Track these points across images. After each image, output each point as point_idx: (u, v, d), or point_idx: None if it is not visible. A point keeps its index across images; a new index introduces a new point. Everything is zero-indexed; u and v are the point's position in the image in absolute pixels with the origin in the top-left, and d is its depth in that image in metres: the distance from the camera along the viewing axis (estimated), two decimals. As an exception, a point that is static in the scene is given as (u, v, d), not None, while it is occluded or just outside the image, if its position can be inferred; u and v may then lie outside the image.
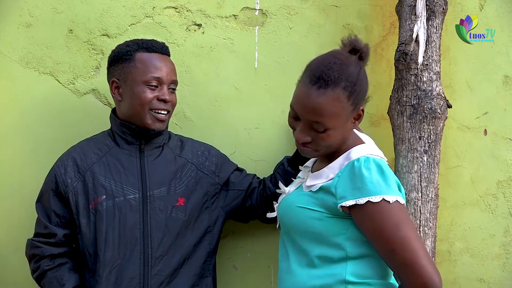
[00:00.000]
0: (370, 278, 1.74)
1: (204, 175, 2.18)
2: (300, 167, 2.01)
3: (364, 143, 1.83)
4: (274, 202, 2.00)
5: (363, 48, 1.76)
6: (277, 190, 2.00)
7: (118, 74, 2.11)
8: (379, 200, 1.67)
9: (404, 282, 1.67)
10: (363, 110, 1.78)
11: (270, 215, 1.99)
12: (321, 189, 1.77)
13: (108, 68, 2.16)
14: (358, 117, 1.78)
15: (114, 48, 2.17)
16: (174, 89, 2.15)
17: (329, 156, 1.82)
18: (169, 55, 2.17)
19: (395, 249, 1.65)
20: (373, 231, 1.69)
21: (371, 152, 1.78)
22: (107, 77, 2.17)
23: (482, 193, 2.39)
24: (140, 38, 2.23)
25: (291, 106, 1.78)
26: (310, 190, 1.80)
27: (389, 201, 1.67)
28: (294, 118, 1.78)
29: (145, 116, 2.08)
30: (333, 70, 1.70)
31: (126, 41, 2.17)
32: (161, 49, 2.14)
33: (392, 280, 1.81)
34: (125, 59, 2.10)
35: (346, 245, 1.74)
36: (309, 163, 1.99)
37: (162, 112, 2.10)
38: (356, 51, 1.76)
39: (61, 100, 2.37)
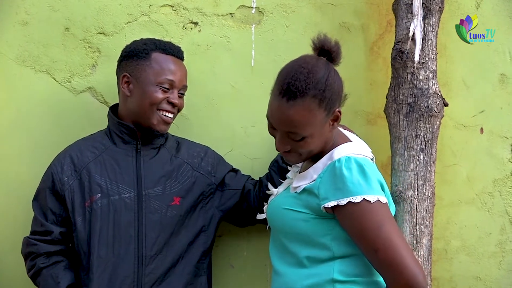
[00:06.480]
0: (357, 277, 1.73)
1: (200, 175, 2.18)
2: (289, 167, 2.00)
3: (350, 141, 1.82)
4: (264, 203, 2.00)
5: (333, 47, 1.74)
6: (267, 192, 2.00)
7: (131, 69, 2.12)
8: (360, 200, 1.66)
9: (388, 281, 1.66)
10: (339, 112, 1.76)
11: (259, 216, 2.00)
12: (305, 190, 1.76)
13: (120, 62, 2.16)
14: (336, 119, 1.76)
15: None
16: (183, 94, 2.18)
17: (315, 156, 1.80)
18: (183, 60, 2.20)
19: (378, 248, 1.64)
20: (355, 231, 1.68)
21: (354, 151, 1.76)
22: (117, 71, 2.17)
23: (478, 192, 2.39)
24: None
25: (267, 116, 1.78)
26: (296, 192, 1.80)
27: (370, 201, 1.66)
28: (272, 127, 1.78)
29: (152, 115, 2.09)
30: (299, 80, 1.68)
31: (143, 38, 2.20)
32: (177, 53, 2.17)
33: (380, 278, 1.81)
34: (140, 57, 2.11)
35: (332, 245, 1.73)
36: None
37: (169, 115, 2.12)
38: (325, 52, 1.74)
39: (57, 98, 2.37)
